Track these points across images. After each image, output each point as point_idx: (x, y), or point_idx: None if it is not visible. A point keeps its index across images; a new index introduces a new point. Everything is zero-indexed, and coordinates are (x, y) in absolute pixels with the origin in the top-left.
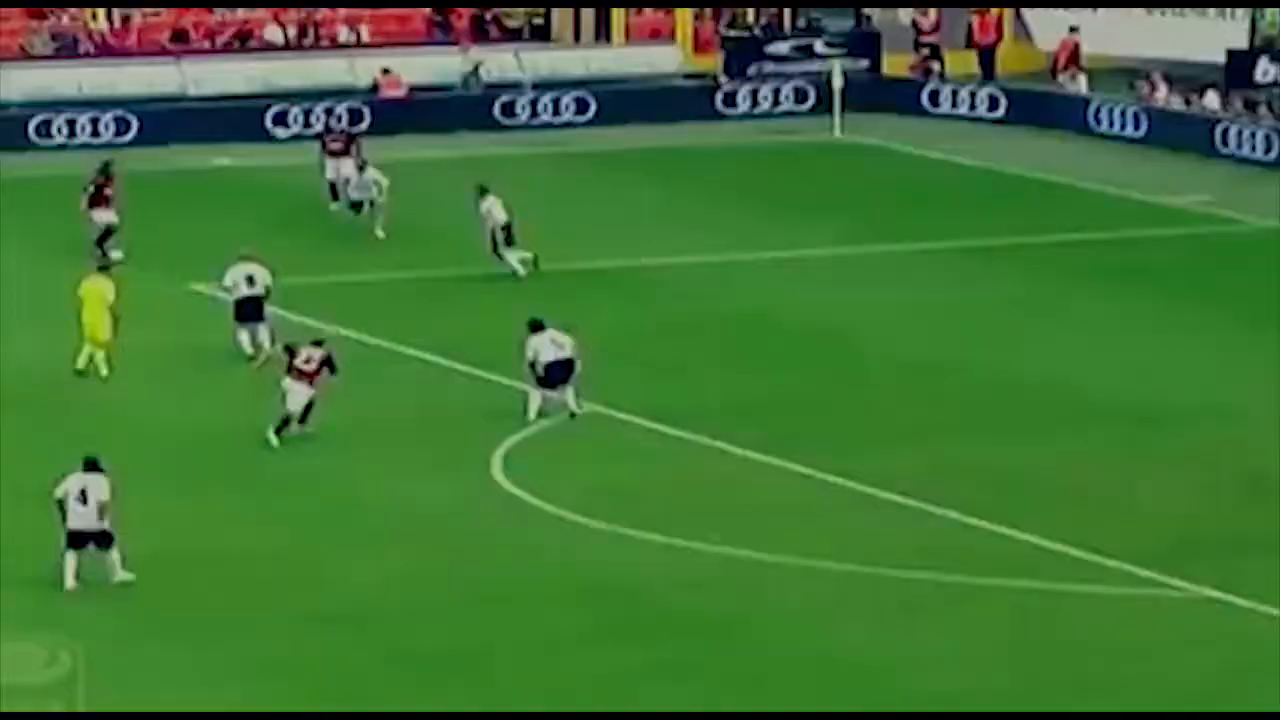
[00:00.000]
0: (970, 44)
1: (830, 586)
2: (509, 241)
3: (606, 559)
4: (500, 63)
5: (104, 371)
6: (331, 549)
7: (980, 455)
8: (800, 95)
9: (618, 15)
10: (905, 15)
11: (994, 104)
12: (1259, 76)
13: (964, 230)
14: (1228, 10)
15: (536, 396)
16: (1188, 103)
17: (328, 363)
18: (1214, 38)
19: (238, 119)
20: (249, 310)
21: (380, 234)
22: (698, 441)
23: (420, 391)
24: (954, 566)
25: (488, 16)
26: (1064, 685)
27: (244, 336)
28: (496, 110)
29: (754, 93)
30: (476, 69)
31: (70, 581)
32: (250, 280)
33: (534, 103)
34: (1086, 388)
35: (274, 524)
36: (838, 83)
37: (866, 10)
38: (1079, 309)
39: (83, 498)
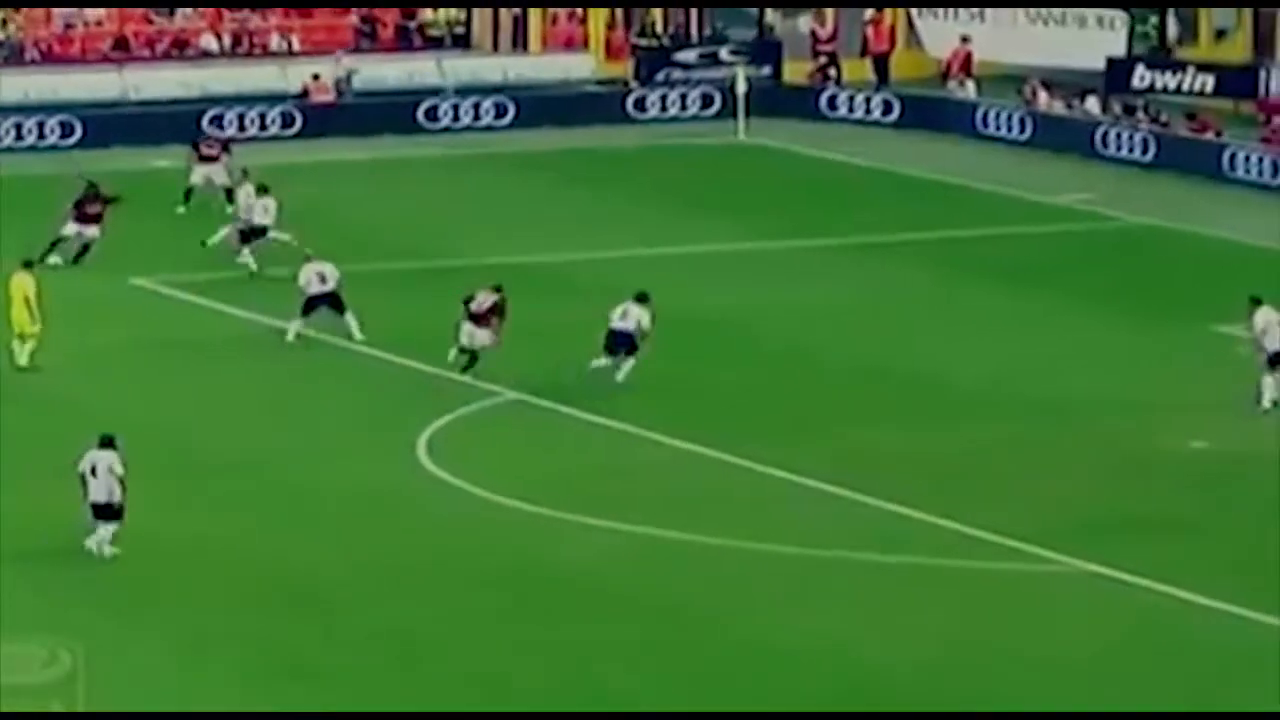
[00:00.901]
0: (865, 52)
1: (753, 569)
2: (244, 240)
3: (528, 541)
4: (423, 69)
5: (22, 361)
6: (264, 532)
7: (890, 444)
8: (706, 100)
9: (535, 25)
10: (804, 25)
11: (888, 109)
12: (1136, 82)
13: (862, 228)
14: (1107, 20)
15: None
16: (1069, 107)
17: (497, 308)
18: (1095, 46)
19: (175, 123)
20: (321, 302)
21: (214, 241)
22: (620, 428)
23: (347, 378)
24: (868, 547)
25: (411, 25)
26: (984, 657)
27: (298, 324)
28: (420, 114)
29: (663, 98)
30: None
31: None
32: (322, 278)
33: (456, 107)
34: (976, 377)
35: (211, 509)
36: (741, 88)
37: (769, 21)
38: (973, 303)
39: (93, 471)
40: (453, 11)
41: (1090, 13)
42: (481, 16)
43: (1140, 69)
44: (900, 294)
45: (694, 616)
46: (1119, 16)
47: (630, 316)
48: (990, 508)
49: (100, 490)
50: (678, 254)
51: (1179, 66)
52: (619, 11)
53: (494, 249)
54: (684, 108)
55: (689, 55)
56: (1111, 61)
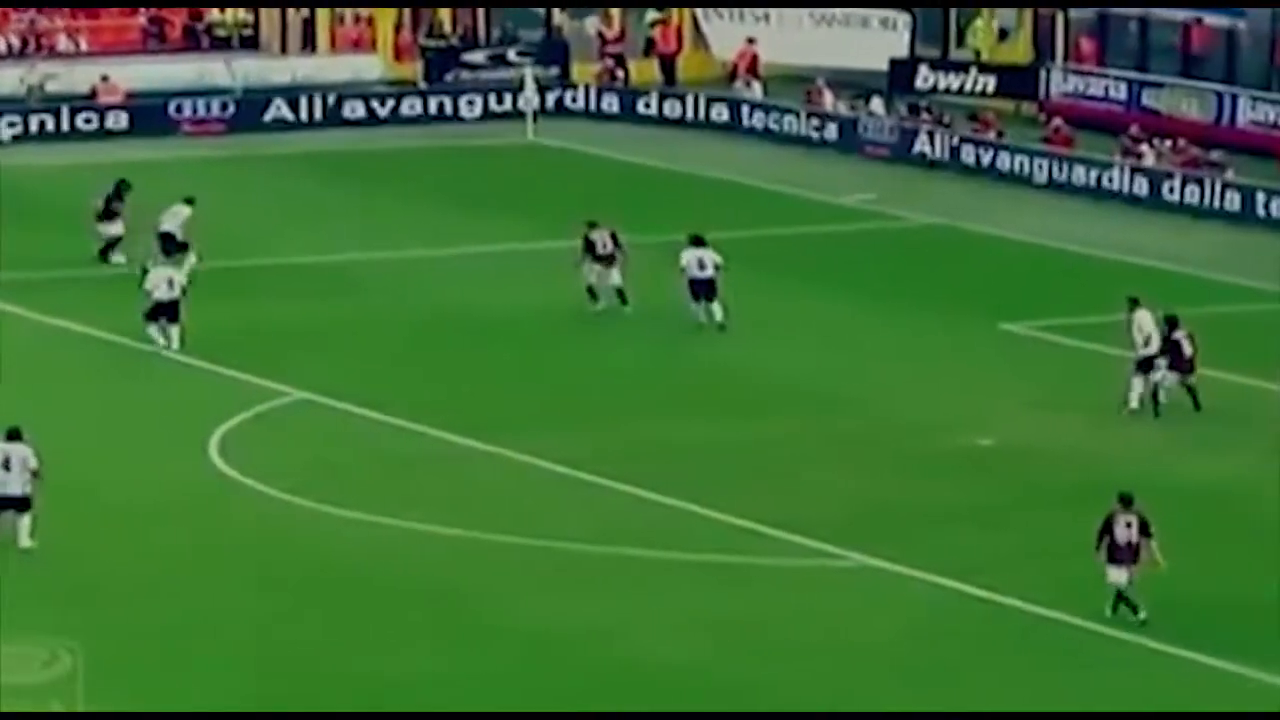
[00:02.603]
0: (652, 53)
1: (527, 561)
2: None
3: (312, 538)
4: (211, 70)
5: None
6: (51, 530)
7: (678, 438)
8: (495, 101)
9: (322, 26)
10: (592, 26)
11: (675, 109)
12: (920, 83)
13: (649, 228)
14: (890, 22)
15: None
16: (853, 108)
17: (615, 240)
18: (878, 48)
19: None
20: (164, 310)
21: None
22: (399, 425)
23: (137, 379)
24: (645, 541)
25: (199, 26)
26: (752, 652)
27: (155, 330)
28: (196, 115)
29: (452, 99)
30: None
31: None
32: (170, 284)
33: (238, 104)
34: (767, 373)
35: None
36: (529, 89)
37: (557, 22)
38: (759, 300)
39: (5, 465)
40: (241, 13)
41: (874, 14)
42: (269, 18)
43: (923, 70)
44: None
45: (472, 610)
46: (902, 18)
47: (707, 264)
48: (776, 502)
49: (14, 484)
50: (464, 254)
51: (961, 67)
52: (407, 12)
53: (276, 250)
54: (472, 109)
55: (477, 56)
56: (894, 62)
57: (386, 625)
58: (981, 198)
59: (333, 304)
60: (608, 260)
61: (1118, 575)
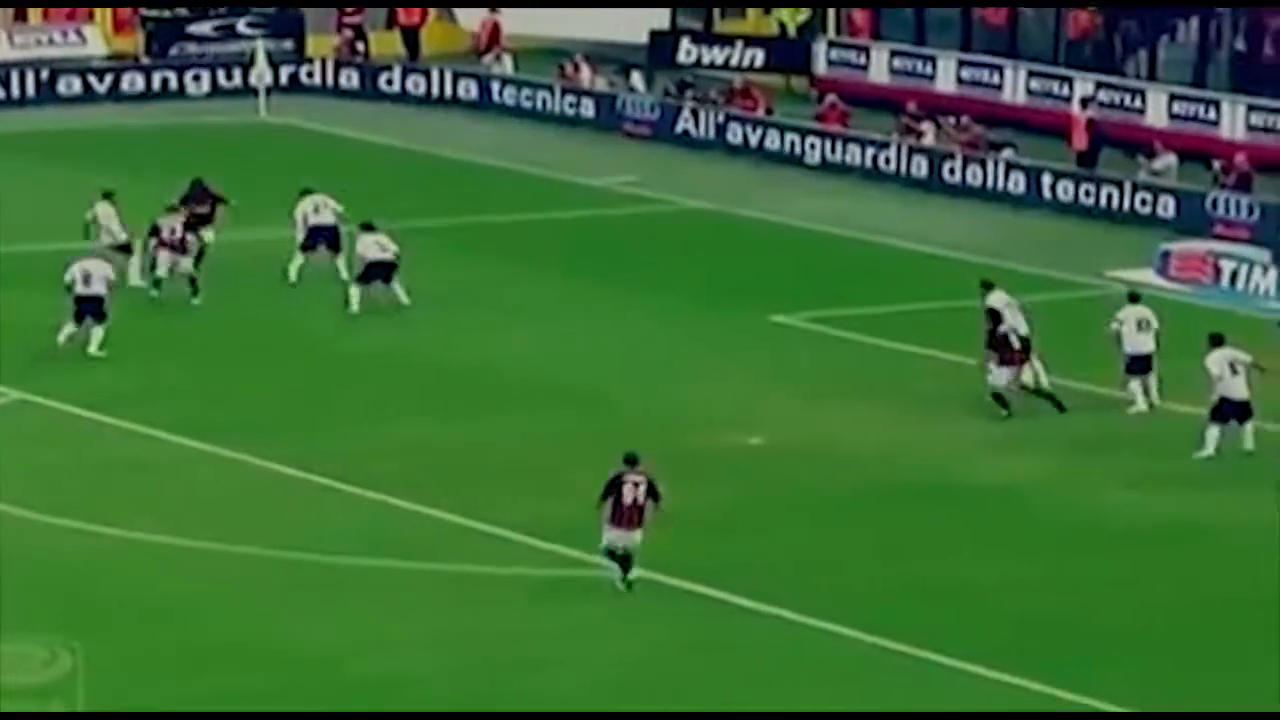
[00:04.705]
0: (394, 25)
1: (258, 574)
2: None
3: (25, 547)
4: None
5: None
6: None
7: (416, 437)
8: (224, 76)
9: None
10: None
11: (419, 85)
12: (682, 57)
13: (393, 212)
14: None
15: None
16: (612, 84)
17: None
18: (636, 20)
19: None
20: (87, 306)
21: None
22: (128, 428)
23: None
24: (385, 550)
25: None
26: (495, 667)
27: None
28: None
29: (177, 74)
30: None
31: None
32: (87, 279)
33: None
34: (521, 369)
35: None
36: (261, 63)
37: None
38: (513, 291)
39: None
40: None
41: None
42: None
43: (685, 43)
44: (437, 281)
45: (198, 626)
46: None
47: (388, 248)
48: (530, 507)
49: None
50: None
51: (726, 40)
52: None
53: None
54: (199, 84)
55: (204, 28)
56: (655, 35)
57: (105, 644)
58: (750, 180)
59: (51, 296)
60: (178, 248)
61: (616, 536)
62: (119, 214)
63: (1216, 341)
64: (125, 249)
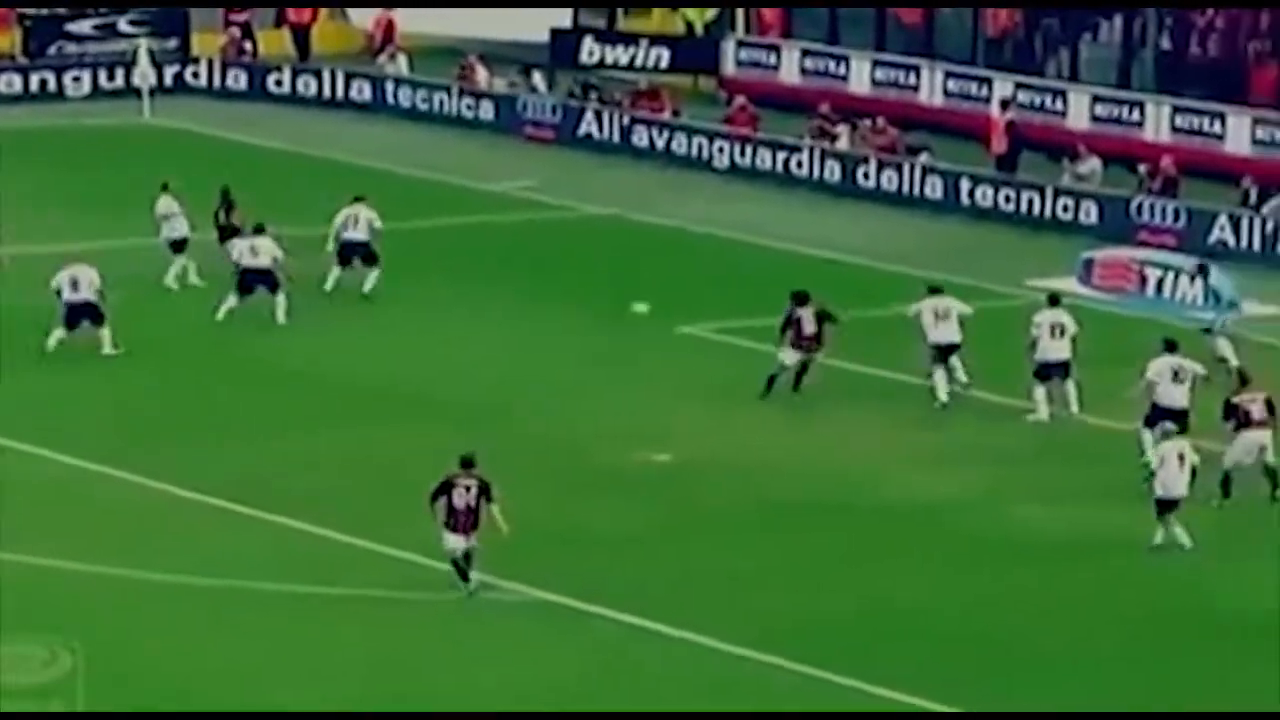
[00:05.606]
0: (283, 23)
1: (156, 599)
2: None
3: None
4: None
5: None
6: None
7: (305, 453)
8: (105, 76)
9: None
10: None
11: (310, 86)
12: (585, 57)
13: (281, 218)
14: None
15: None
16: (512, 85)
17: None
18: (537, 17)
19: None
20: (81, 312)
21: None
22: (16, 448)
23: None
24: (289, 576)
25: None
26: (401, 695)
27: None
28: None
29: (55, 74)
30: None
31: None
32: (75, 284)
33: None
34: (407, 382)
35: None
36: (144, 63)
37: None
38: (403, 301)
39: None
40: None
41: None
42: None
43: (588, 42)
44: (326, 292)
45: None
46: None
47: (361, 223)
48: (418, 525)
49: None
50: (69, 252)
51: (631, 39)
52: None
53: None
54: (79, 86)
55: (84, 26)
56: (556, 33)
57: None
58: (656, 185)
59: None
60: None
61: (455, 542)
62: (183, 207)
63: (1170, 347)
64: (181, 246)
